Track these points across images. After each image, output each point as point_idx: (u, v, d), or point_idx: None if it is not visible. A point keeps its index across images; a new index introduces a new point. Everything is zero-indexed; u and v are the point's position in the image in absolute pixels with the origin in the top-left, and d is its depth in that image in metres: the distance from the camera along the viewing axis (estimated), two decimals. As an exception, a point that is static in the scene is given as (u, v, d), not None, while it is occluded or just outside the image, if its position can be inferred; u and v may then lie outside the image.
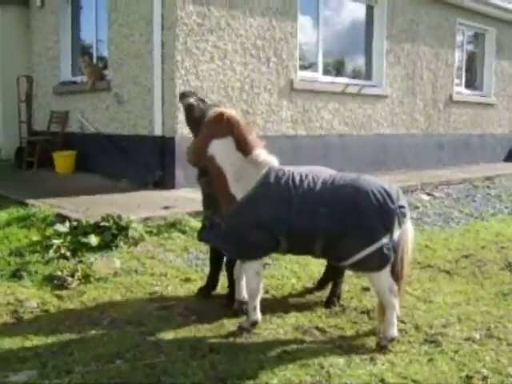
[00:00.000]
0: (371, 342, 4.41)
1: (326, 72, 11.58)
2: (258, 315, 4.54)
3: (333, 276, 5.25)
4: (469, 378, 3.89)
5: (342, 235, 4.21)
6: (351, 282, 5.63)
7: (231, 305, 4.95)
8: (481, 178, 12.26)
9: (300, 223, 4.25)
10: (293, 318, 4.85)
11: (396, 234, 4.25)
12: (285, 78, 10.25)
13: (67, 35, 11.82)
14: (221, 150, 4.34)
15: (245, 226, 4.33)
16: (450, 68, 13.92)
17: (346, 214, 4.20)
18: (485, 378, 3.90)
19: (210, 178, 4.57)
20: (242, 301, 4.79)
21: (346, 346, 4.33)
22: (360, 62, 12.73)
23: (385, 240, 4.19)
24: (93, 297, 5.22)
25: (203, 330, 4.55)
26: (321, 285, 5.50)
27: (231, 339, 4.40)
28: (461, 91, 14.71)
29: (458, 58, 14.61)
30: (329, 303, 5.13)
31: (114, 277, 5.67)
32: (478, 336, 4.55)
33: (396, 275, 4.35)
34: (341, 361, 4.08)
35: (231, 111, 4.50)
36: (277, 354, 4.18)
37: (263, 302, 4.86)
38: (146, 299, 5.21)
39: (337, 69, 12.38)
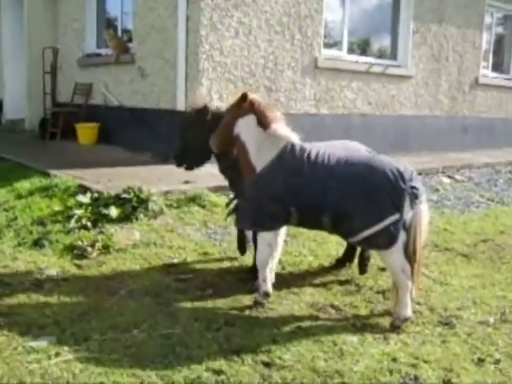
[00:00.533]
0: (385, 321, 4.45)
1: (350, 51, 11.46)
2: (269, 286, 4.66)
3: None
4: (481, 360, 3.93)
5: (350, 211, 4.28)
6: (368, 261, 5.66)
7: (252, 279, 5.00)
8: (504, 163, 12.14)
9: (310, 195, 4.36)
10: (308, 295, 4.91)
11: (407, 214, 4.29)
12: (309, 56, 10.19)
13: (93, 7, 11.84)
14: (244, 126, 4.51)
15: (261, 196, 4.47)
16: (477, 50, 13.70)
17: (355, 190, 4.28)
18: (497, 361, 3.94)
19: (230, 161, 4.81)
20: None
21: (359, 325, 4.38)
22: (385, 41, 12.58)
23: (393, 218, 4.23)
24: (112, 267, 5.31)
25: (219, 304, 4.62)
26: (339, 263, 5.56)
27: (246, 313, 4.47)
28: (487, 74, 14.47)
29: (486, 40, 14.37)
30: (362, 266, 5.34)
31: (133, 248, 5.75)
32: (492, 320, 4.58)
33: (409, 256, 4.38)
34: (354, 339, 4.14)
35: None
36: (291, 329, 4.24)
37: (279, 278, 4.92)
38: (163, 271, 5.29)
39: (362, 48, 12.26)
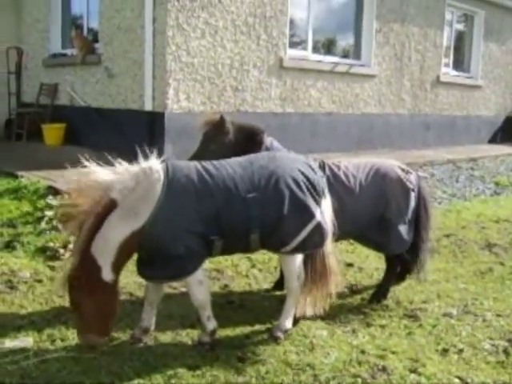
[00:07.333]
0: (354, 316, 4.60)
1: (315, 50, 11.65)
2: (214, 322, 4.01)
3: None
4: (445, 350, 4.11)
5: (279, 219, 3.89)
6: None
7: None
8: (465, 159, 12.43)
9: (231, 216, 3.81)
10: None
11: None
12: (274, 56, 10.32)
13: (58, 6, 11.74)
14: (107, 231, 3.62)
15: (166, 239, 3.69)
16: (438, 49, 14.01)
17: (278, 195, 3.90)
18: (460, 351, 4.12)
19: None
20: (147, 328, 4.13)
21: (329, 319, 4.50)
22: (350, 41, 12.79)
23: (319, 215, 4.02)
24: (85, 268, 5.32)
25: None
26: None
27: (222, 308, 4.54)
28: (448, 72, 14.81)
29: (447, 39, 14.70)
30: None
31: (105, 248, 5.77)
32: (455, 312, 4.78)
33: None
34: (324, 333, 4.27)
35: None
36: (263, 325, 4.37)
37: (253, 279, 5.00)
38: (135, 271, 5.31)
39: (326, 47, 12.44)
